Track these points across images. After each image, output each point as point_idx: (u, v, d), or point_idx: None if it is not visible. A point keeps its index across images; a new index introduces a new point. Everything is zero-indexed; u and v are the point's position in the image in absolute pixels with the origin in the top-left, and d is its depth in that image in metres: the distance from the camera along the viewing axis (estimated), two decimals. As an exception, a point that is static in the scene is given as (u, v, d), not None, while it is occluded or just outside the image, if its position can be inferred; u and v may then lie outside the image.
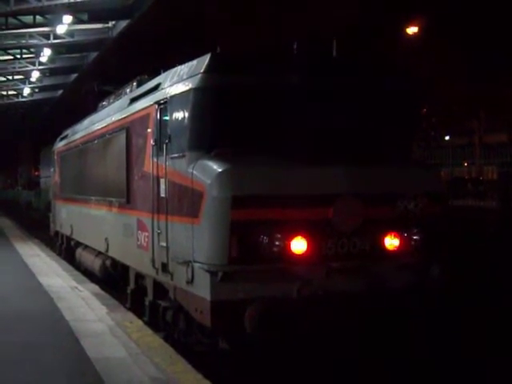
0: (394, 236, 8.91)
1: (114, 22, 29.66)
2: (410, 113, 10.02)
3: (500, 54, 33.31)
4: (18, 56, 36.89)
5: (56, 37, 31.47)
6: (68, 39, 31.76)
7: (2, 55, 36.44)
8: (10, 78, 43.95)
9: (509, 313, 12.51)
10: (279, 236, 8.28)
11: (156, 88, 10.69)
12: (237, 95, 8.84)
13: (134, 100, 12.12)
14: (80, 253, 17.26)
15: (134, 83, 13.35)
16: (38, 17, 27.22)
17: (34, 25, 28.20)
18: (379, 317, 8.60)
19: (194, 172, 8.66)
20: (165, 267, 9.73)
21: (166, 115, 9.78)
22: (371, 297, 8.57)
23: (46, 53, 35.30)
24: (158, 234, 9.96)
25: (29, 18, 27.37)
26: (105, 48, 32.55)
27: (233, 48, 9.51)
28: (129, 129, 11.89)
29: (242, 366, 9.08)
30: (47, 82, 45.45)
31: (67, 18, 26.99)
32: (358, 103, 9.38)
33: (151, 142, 10.32)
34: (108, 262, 13.96)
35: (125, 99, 13.20)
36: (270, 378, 8.80)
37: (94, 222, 15.49)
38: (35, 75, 42.07)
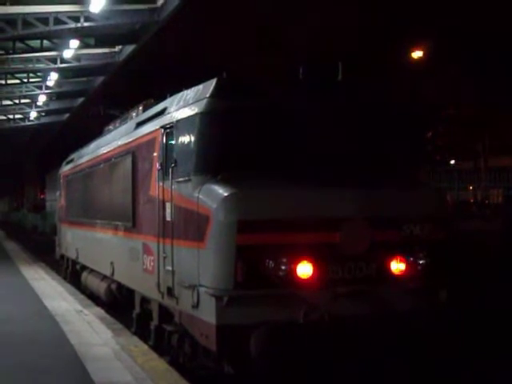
0: (401, 260, 8.87)
1: (120, 47, 29.85)
2: (416, 136, 10.04)
3: (505, 77, 33.42)
4: (25, 80, 37.04)
5: (63, 61, 31.62)
6: (75, 63, 31.92)
7: (10, 79, 36.61)
8: (17, 101, 44.10)
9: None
10: (285, 260, 8.26)
11: (162, 112, 10.73)
12: (243, 119, 8.86)
13: (140, 124, 12.16)
14: (85, 276, 17.24)
15: (140, 107, 13.41)
16: (45, 41, 27.38)
17: (41, 49, 28.35)
18: (386, 341, 8.55)
19: (200, 196, 8.66)
20: (170, 291, 9.70)
21: (172, 139, 9.81)
22: (378, 321, 8.53)
23: (53, 77, 35.45)
24: (164, 257, 9.94)
25: (36, 43, 27.54)
26: (111, 72, 32.70)
27: (238, 72, 9.53)
28: (135, 153, 11.92)
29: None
30: (54, 105, 45.60)
31: (74, 43, 27.16)
32: (364, 127, 9.40)
33: (157, 166, 10.34)
34: (113, 286, 13.94)
35: (131, 123, 13.25)
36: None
37: (99, 246, 15.48)
38: (42, 99, 42.23)
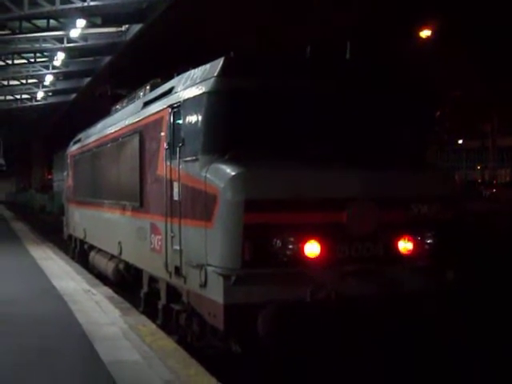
0: (408, 240, 8.88)
1: (127, 26, 29.77)
2: (423, 117, 9.99)
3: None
4: (32, 60, 37.08)
5: (69, 41, 31.62)
6: (81, 43, 31.91)
7: (16, 59, 36.62)
8: (24, 81, 44.12)
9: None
10: (292, 240, 8.28)
11: (169, 92, 10.70)
12: (250, 98, 8.83)
13: (147, 104, 12.14)
14: (93, 256, 17.30)
15: (148, 87, 13.38)
16: (51, 21, 27.35)
17: (48, 29, 28.35)
18: (393, 320, 8.57)
19: (208, 175, 8.66)
20: (178, 270, 9.73)
21: (180, 119, 9.79)
22: (385, 301, 8.54)
23: (60, 56, 35.45)
24: (172, 237, 9.96)
25: (42, 22, 27.52)
26: (118, 52, 32.66)
27: (242, 51, 9.48)
28: (142, 132, 11.91)
29: (255, 369, 9.07)
30: (61, 85, 45.64)
31: (81, 22, 27.10)
32: (371, 107, 9.36)
33: (164, 145, 10.34)
34: (121, 266, 13.98)
35: (138, 103, 13.23)
36: (283, 382, 8.79)
37: (107, 226, 15.52)
38: (49, 79, 42.26)
